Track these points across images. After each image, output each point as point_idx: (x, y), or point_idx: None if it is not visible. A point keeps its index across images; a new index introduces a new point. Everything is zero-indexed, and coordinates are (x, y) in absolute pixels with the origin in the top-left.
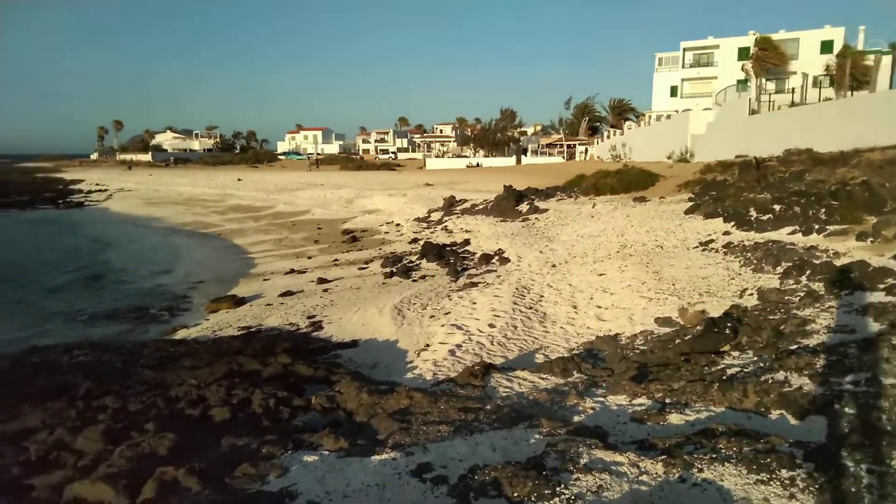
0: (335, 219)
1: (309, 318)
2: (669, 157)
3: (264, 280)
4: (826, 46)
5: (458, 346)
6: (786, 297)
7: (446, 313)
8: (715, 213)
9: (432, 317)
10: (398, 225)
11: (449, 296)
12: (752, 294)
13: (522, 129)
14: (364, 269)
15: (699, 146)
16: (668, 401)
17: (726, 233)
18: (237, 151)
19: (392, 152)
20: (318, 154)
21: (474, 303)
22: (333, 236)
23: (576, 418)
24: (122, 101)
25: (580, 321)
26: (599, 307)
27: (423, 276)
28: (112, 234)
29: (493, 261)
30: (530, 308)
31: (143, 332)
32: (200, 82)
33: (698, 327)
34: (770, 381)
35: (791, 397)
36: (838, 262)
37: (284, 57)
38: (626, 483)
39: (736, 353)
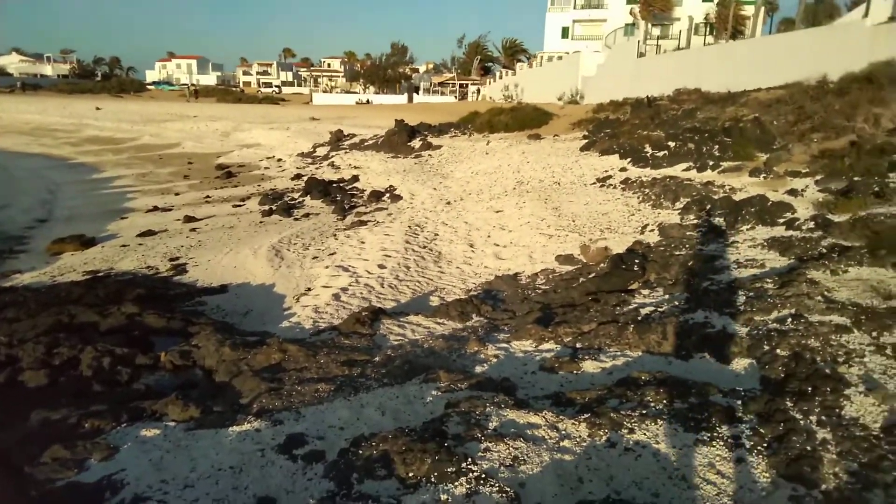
0: (209, 153)
1: (171, 260)
2: (560, 99)
3: (122, 218)
4: None
5: (344, 289)
6: (688, 233)
7: (331, 254)
8: (610, 149)
9: (315, 258)
10: (280, 160)
11: (335, 235)
12: (653, 230)
13: (414, 67)
14: (239, 206)
15: (589, 88)
16: (578, 345)
17: (623, 169)
18: (98, 79)
19: (276, 86)
20: (194, 84)
21: (363, 242)
22: (206, 171)
23: (478, 369)
24: None
25: (477, 260)
26: (497, 245)
27: (307, 215)
28: None
29: (384, 198)
30: (424, 247)
31: None
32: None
33: (602, 265)
34: (690, 322)
35: (715, 338)
36: (736, 198)
37: None
38: (546, 452)
39: (646, 292)
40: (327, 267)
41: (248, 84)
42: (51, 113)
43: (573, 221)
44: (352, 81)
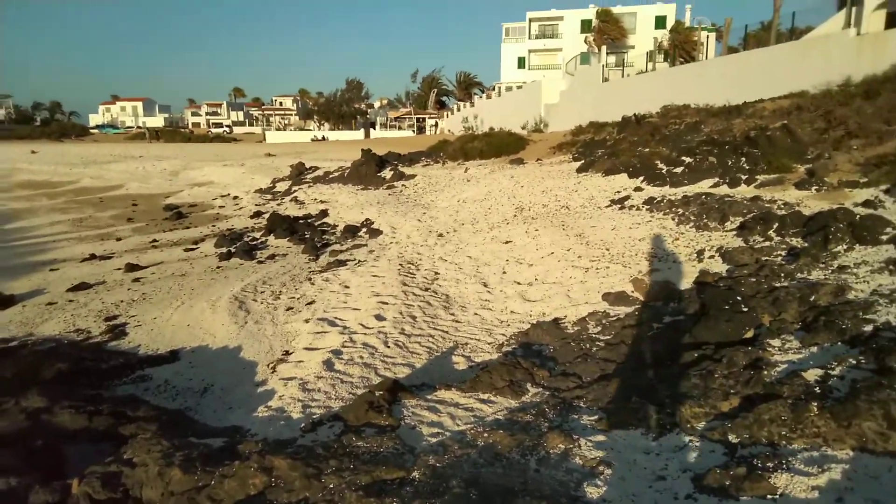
0: (156, 193)
1: (107, 320)
2: (524, 128)
3: (51, 270)
4: (660, 21)
5: (337, 353)
6: (765, 258)
7: (309, 303)
8: (615, 169)
9: (290, 309)
10: (236, 198)
11: (310, 279)
12: (713, 256)
13: (369, 103)
14: (192, 249)
15: (552, 115)
16: (732, 439)
17: (638, 189)
18: (38, 124)
19: (226, 126)
20: (142, 126)
21: (346, 286)
22: (153, 213)
23: (588, 490)
24: None
25: (498, 304)
26: (519, 283)
27: (273, 256)
28: None
29: (361, 233)
30: (427, 290)
31: None
32: None
33: (671, 304)
34: None
35: None
36: (806, 213)
37: (96, 19)
38: None
39: (776, 343)
40: (307, 321)
41: (197, 125)
42: None
43: (607, 250)
44: (305, 119)
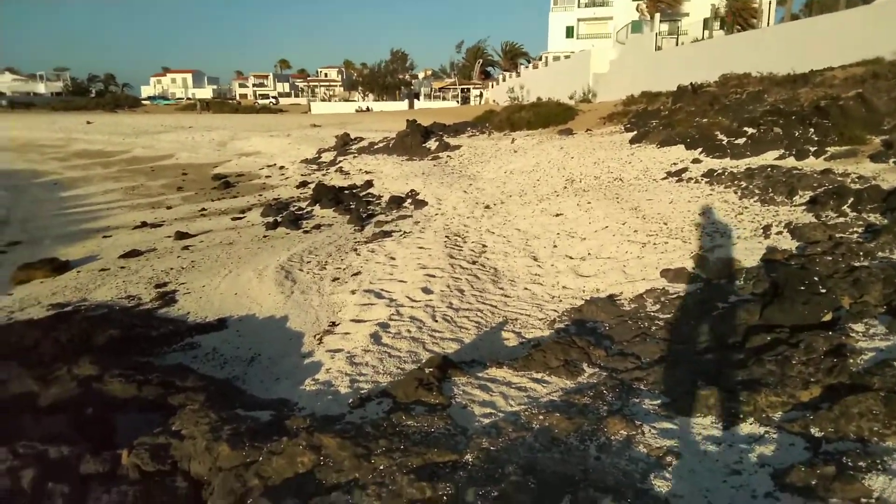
0: (205, 163)
1: (157, 287)
2: (571, 98)
3: (104, 237)
4: None
5: (384, 325)
6: (840, 235)
7: (355, 274)
8: (671, 140)
9: (336, 280)
10: (282, 168)
11: (356, 250)
12: (781, 232)
13: (414, 73)
14: (239, 219)
15: (601, 85)
16: (815, 432)
17: (696, 161)
18: (93, 96)
19: (273, 97)
20: (192, 98)
21: (392, 258)
22: (202, 182)
23: (655, 482)
24: None
25: (549, 278)
26: (571, 258)
27: (318, 226)
28: None
29: (406, 204)
30: (474, 263)
31: None
32: (49, 17)
33: (737, 282)
34: None
35: None
36: (886, 187)
37: None
38: None
39: (859, 328)
40: (354, 292)
41: (244, 96)
42: (38, 128)
43: (665, 224)
44: (350, 90)
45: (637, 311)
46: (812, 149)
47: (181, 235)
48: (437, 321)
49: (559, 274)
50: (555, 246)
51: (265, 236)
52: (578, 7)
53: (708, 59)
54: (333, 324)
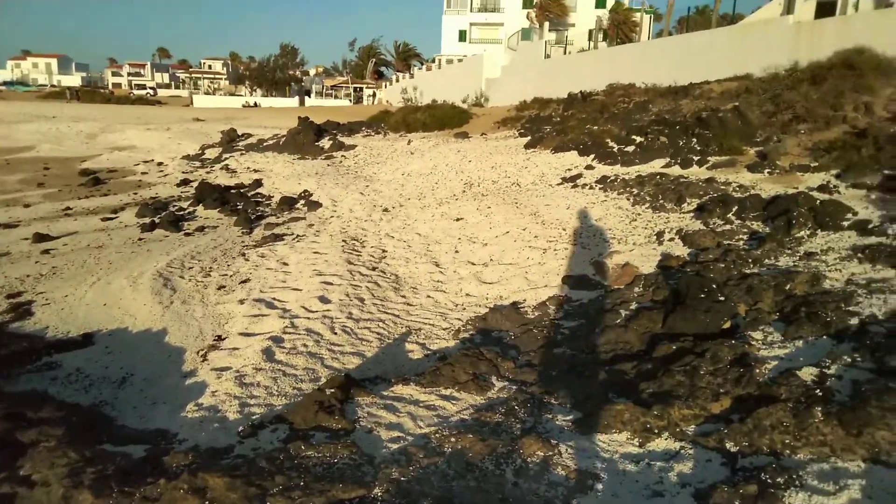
0: (71, 157)
1: (10, 297)
2: (464, 101)
3: None
4: (600, 1)
5: (277, 339)
6: (726, 241)
7: (244, 281)
8: (564, 146)
9: (222, 288)
10: (160, 164)
11: (244, 254)
12: (672, 239)
13: (305, 70)
14: (111, 219)
15: (493, 89)
16: (730, 447)
17: (589, 167)
18: None
19: (150, 88)
20: (57, 85)
21: (285, 263)
22: (67, 178)
23: None
24: None
25: (452, 285)
26: (473, 264)
27: (202, 228)
28: None
29: (299, 205)
30: (374, 269)
31: None
32: None
33: (638, 289)
34: None
35: None
36: (764, 196)
37: None
38: None
39: (757, 336)
40: (242, 302)
41: (118, 86)
42: None
43: (563, 230)
44: (237, 84)
45: (542, 319)
46: (695, 158)
47: (40, 238)
48: (336, 333)
49: (462, 280)
50: (456, 251)
51: (141, 239)
52: (471, 11)
53: (595, 68)
54: (219, 338)
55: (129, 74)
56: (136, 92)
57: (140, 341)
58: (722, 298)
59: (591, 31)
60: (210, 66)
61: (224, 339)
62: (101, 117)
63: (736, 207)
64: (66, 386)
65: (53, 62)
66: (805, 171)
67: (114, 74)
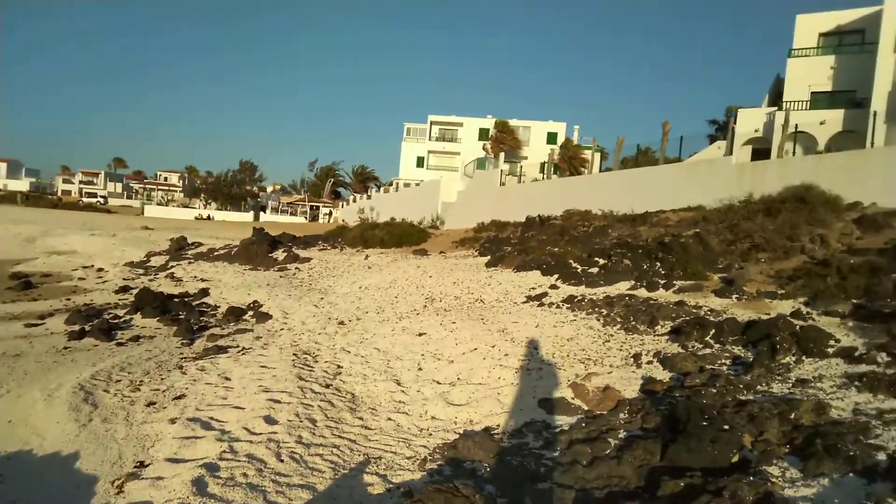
0: (4, 260)
1: None
2: (420, 223)
3: None
4: (551, 137)
5: (212, 466)
6: (708, 366)
7: (178, 397)
8: (527, 265)
9: (152, 404)
10: (100, 270)
11: (181, 367)
12: (651, 362)
13: (262, 186)
14: (35, 325)
15: (449, 213)
16: None
17: (553, 286)
18: None
19: (102, 196)
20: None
21: (227, 378)
22: None
23: None
24: None
25: (417, 407)
26: (439, 383)
27: (137, 338)
28: None
29: (247, 316)
30: (328, 386)
31: None
32: None
33: (622, 415)
34: None
35: None
36: (740, 320)
37: None
38: None
39: (773, 471)
40: (174, 421)
41: (68, 193)
42: None
43: (535, 349)
44: (192, 197)
45: (520, 449)
46: (661, 281)
47: None
48: (282, 461)
49: (427, 402)
50: (419, 368)
51: (66, 348)
52: (430, 140)
53: (549, 195)
54: (142, 464)
55: (81, 182)
56: (85, 199)
57: (45, 467)
58: (726, 427)
59: (543, 164)
60: (166, 178)
61: (147, 465)
62: (44, 221)
63: (713, 331)
64: None
65: (2, 166)
66: (773, 297)
67: (65, 181)
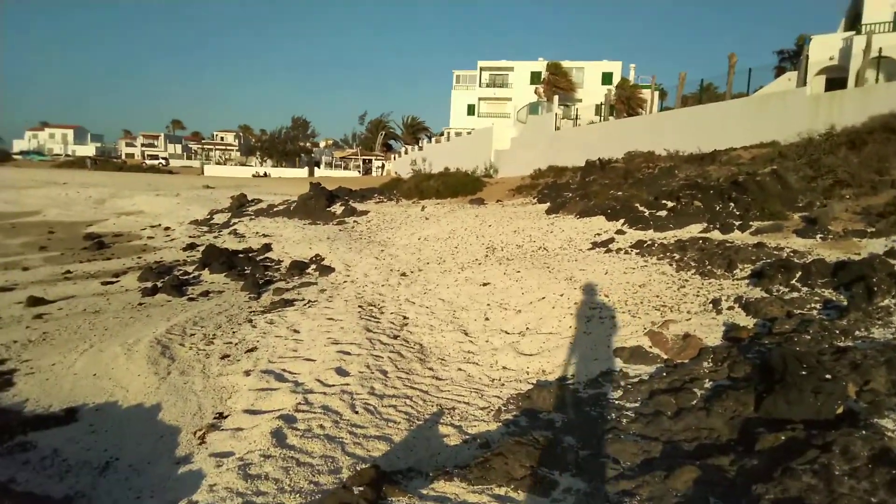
0: (78, 221)
1: None
2: (474, 172)
3: None
4: (606, 78)
5: (289, 418)
6: (797, 311)
7: (250, 350)
8: (590, 211)
9: (226, 357)
10: (168, 228)
11: (251, 320)
12: (732, 308)
13: (315, 141)
14: (111, 283)
15: (503, 161)
16: None
17: (619, 231)
18: None
19: (163, 158)
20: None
21: (296, 331)
22: (71, 242)
23: None
24: None
25: (486, 357)
26: (508, 333)
27: (206, 293)
28: None
29: (310, 270)
30: (395, 337)
31: None
32: None
33: (705, 364)
34: None
35: None
36: (829, 261)
37: (26, 41)
38: None
39: (887, 424)
40: (248, 373)
41: (131, 156)
42: None
43: (606, 297)
44: (247, 155)
45: (598, 399)
46: (736, 223)
47: (35, 301)
48: (357, 412)
49: (496, 352)
50: (486, 318)
51: (140, 304)
52: (480, 87)
53: (607, 138)
54: (221, 415)
55: (142, 145)
56: (148, 162)
57: (130, 418)
58: (828, 377)
59: (598, 106)
60: (222, 138)
61: (226, 416)
62: (112, 184)
63: (800, 273)
64: (37, 472)
65: (70, 133)
66: (862, 236)
67: (127, 145)
